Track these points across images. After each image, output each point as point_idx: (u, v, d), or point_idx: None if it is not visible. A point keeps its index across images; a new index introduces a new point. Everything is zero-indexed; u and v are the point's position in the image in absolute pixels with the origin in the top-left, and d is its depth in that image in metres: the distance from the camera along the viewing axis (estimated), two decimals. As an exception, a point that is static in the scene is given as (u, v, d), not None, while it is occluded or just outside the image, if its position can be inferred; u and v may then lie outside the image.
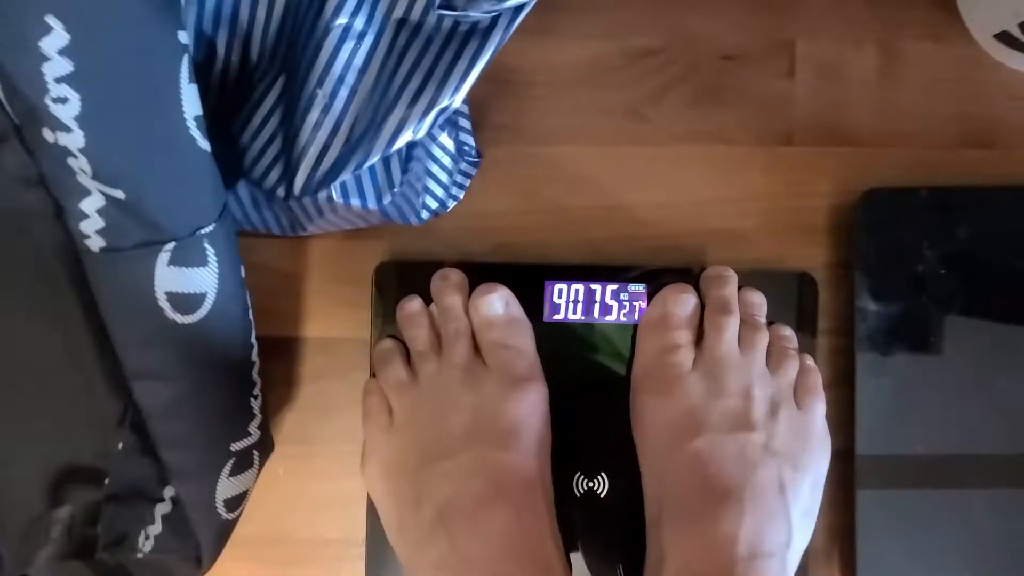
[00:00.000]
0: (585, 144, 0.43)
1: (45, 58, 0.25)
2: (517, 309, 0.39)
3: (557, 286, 0.41)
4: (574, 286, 0.41)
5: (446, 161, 0.38)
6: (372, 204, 0.33)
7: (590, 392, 0.41)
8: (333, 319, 0.42)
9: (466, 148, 0.40)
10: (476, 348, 0.39)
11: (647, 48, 0.42)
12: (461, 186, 0.41)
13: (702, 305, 0.39)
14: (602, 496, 0.41)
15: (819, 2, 0.42)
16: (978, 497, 0.40)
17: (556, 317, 0.41)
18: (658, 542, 0.36)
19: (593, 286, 0.41)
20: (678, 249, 0.42)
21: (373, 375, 0.40)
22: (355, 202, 0.33)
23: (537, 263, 0.42)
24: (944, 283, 0.40)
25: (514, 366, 0.38)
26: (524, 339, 0.39)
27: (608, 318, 0.41)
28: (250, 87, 0.33)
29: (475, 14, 0.31)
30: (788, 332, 0.40)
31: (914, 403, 0.41)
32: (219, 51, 0.32)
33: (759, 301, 0.40)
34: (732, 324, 0.38)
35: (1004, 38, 0.40)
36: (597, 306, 0.41)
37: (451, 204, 0.41)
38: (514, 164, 0.42)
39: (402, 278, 0.41)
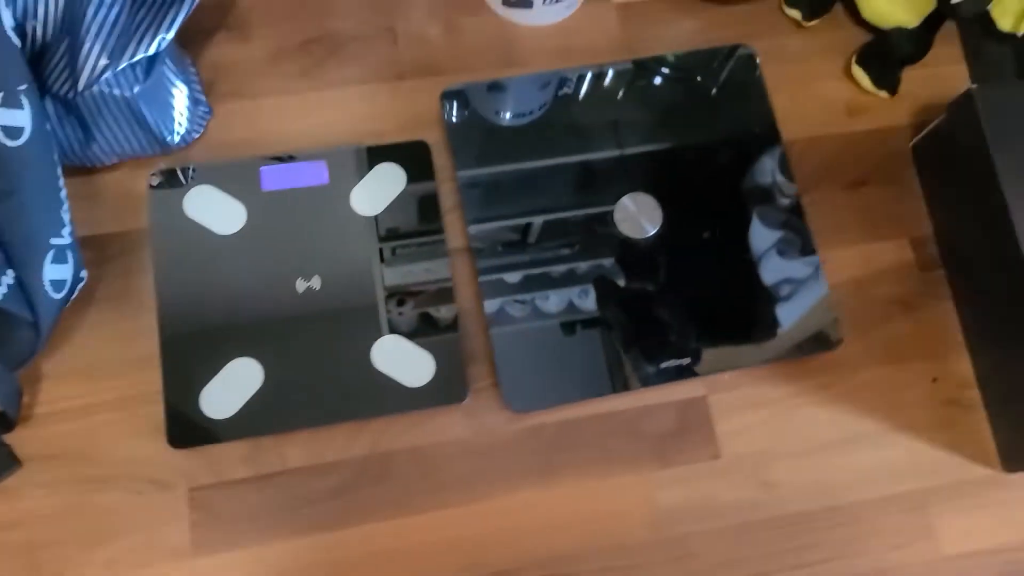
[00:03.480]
0: (281, 95, 0.69)
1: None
2: None
3: (269, 168, 0.66)
4: (282, 166, 0.66)
5: (184, 99, 0.64)
6: (128, 92, 0.58)
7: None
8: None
9: (200, 101, 0.66)
10: None
11: (307, 39, 0.71)
12: (200, 126, 0.66)
13: None
14: (318, 291, 0.63)
15: (404, 3, 0.72)
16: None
17: (272, 187, 0.65)
18: None
19: (293, 165, 0.66)
20: (345, 144, 0.68)
21: None
22: (116, 91, 0.57)
23: (254, 159, 0.66)
24: (505, 136, 0.68)
25: None
26: None
27: (305, 185, 0.66)
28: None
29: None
30: None
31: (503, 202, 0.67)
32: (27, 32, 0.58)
33: None
34: None
35: (507, 2, 0.71)
36: (297, 177, 0.66)
37: (193, 137, 0.66)
38: (242, 113, 0.68)
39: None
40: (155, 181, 0.64)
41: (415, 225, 0.66)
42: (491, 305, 0.64)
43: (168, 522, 0.59)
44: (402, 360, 0.62)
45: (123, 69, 0.57)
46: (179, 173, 0.65)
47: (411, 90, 0.70)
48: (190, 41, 0.69)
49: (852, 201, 0.71)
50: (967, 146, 0.64)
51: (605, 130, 0.69)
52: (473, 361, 0.64)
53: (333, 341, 0.62)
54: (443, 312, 0.64)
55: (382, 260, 0.64)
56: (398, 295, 0.64)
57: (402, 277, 0.64)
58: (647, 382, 0.64)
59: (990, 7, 0.69)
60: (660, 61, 0.72)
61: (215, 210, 0.64)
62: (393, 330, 0.63)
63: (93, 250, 0.63)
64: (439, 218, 0.66)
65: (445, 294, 0.65)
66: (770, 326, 0.65)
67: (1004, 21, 0.68)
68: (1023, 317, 0.60)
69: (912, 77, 0.74)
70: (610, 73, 0.71)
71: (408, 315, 0.63)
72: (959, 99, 0.65)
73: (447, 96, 0.69)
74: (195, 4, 0.59)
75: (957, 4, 0.63)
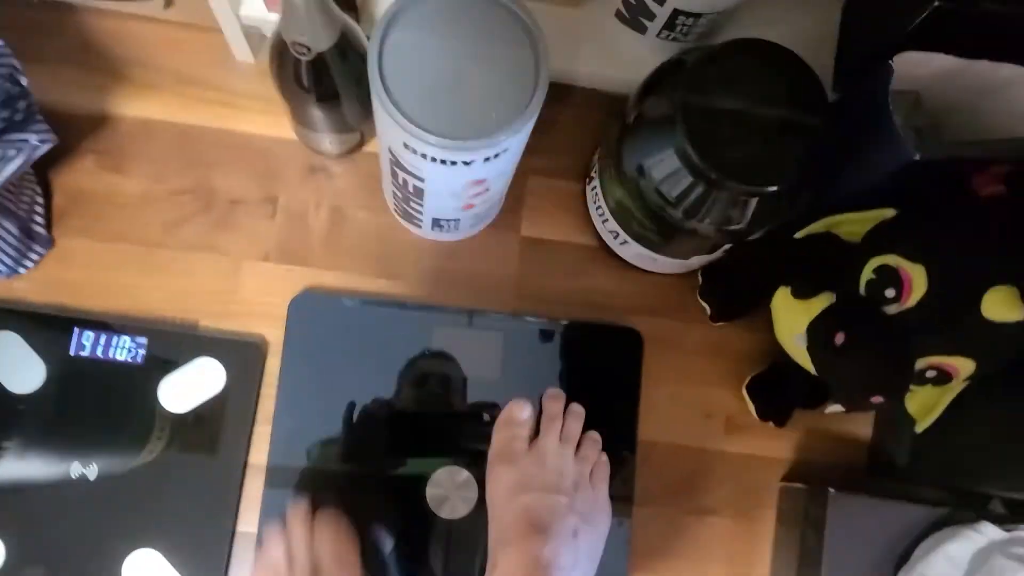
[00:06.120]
0: (133, 244, 0.64)
1: None
2: (346, 531, 0.57)
3: (85, 332, 0.61)
4: (100, 333, 0.61)
5: (9, 234, 0.59)
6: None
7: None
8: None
9: (38, 234, 0.61)
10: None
11: (181, 188, 0.65)
12: (31, 260, 0.62)
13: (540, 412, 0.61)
14: (91, 481, 0.59)
15: (293, 175, 0.66)
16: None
17: (82, 353, 0.61)
18: (493, 558, 0.54)
19: (112, 335, 0.61)
20: (178, 320, 0.63)
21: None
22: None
23: (70, 316, 0.62)
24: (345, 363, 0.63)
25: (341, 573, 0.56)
26: (350, 552, 0.57)
27: (119, 358, 0.61)
28: None
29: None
30: (595, 435, 0.61)
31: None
32: None
33: (580, 412, 0.61)
34: (556, 427, 0.59)
35: (401, 213, 0.65)
36: (112, 349, 0.61)
37: (18, 272, 0.62)
38: (85, 253, 0.63)
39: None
40: None
41: (218, 434, 0.61)
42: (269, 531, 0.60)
43: None
44: (153, 581, 0.59)
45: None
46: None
47: (270, 276, 0.65)
48: (54, 159, 0.64)
49: (693, 528, 0.65)
50: (809, 537, 0.58)
51: (452, 384, 0.64)
52: (235, 591, 0.61)
53: (89, 541, 0.59)
54: (214, 532, 0.60)
55: (165, 469, 0.60)
56: (172, 509, 0.60)
57: (183, 490, 0.60)
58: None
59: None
60: (539, 324, 0.65)
61: (13, 363, 0.60)
62: (153, 545, 0.59)
63: None
64: (248, 427, 0.62)
65: (224, 513, 0.61)
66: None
67: (911, 405, 0.61)
68: None
69: (812, 413, 0.67)
70: (484, 322, 0.65)
71: (174, 531, 0.60)
72: (817, 494, 0.59)
73: (298, 302, 0.64)
74: (22, 168, 0.54)
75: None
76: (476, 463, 0.62)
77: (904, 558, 0.57)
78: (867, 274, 0.54)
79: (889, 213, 0.57)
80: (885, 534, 0.58)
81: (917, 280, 0.51)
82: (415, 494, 0.62)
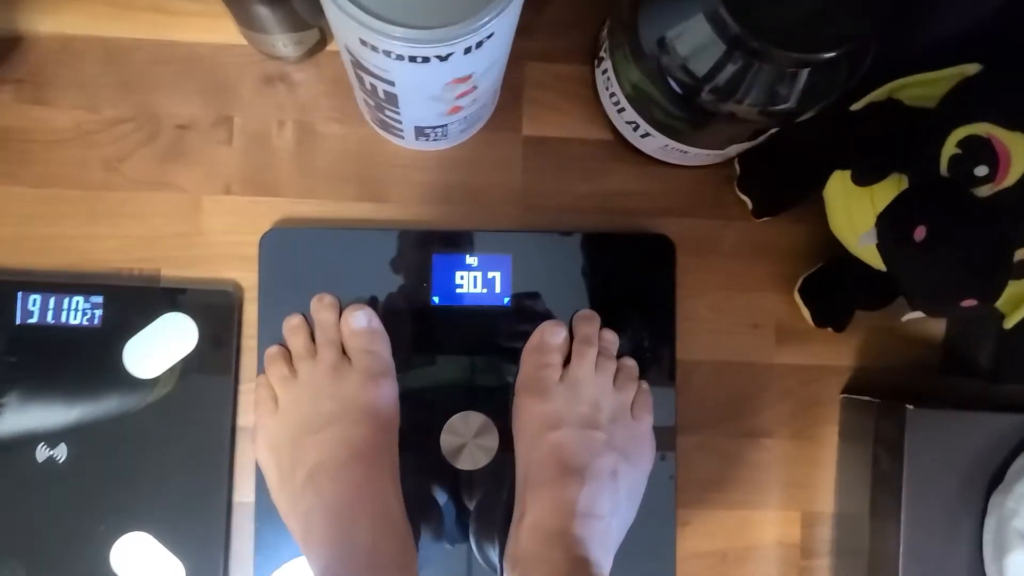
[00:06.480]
0: (72, 188, 0.55)
1: None
2: (378, 323, 0.51)
3: (31, 296, 0.53)
4: (46, 295, 0.53)
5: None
6: None
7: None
8: None
9: (-42, 188, 0.52)
10: (342, 352, 0.50)
11: (119, 117, 0.55)
12: (-43, 217, 0.53)
13: (571, 338, 0.52)
14: (61, 463, 0.52)
15: (248, 89, 0.56)
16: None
17: (30, 320, 0.53)
18: (522, 502, 0.48)
19: (63, 296, 0.53)
20: (136, 271, 0.55)
21: (262, 372, 0.52)
22: None
23: (11, 279, 0.53)
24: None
25: (373, 366, 0.50)
26: (382, 346, 0.51)
27: (73, 322, 0.53)
28: None
29: None
30: (631, 363, 0.53)
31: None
32: None
33: (613, 338, 0.53)
34: (591, 353, 0.51)
35: (378, 123, 0.55)
36: (64, 313, 0.53)
37: (-53, 231, 0.53)
38: (16, 203, 0.54)
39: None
40: None
41: (199, 397, 0.54)
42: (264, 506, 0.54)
43: None
44: (147, 567, 0.53)
45: None
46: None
47: (236, 211, 0.56)
48: (-36, 96, 0.54)
49: (745, 454, 0.58)
50: (883, 459, 0.51)
51: (459, 320, 0.55)
52: (239, 566, 0.55)
53: (69, 530, 0.52)
54: (208, 506, 0.54)
55: (144, 443, 0.53)
56: (158, 487, 0.53)
57: (167, 464, 0.53)
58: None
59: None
60: (552, 238, 0.56)
61: (-49, 339, 0.52)
62: (143, 527, 0.53)
63: None
64: (231, 387, 0.54)
65: (216, 484, 0.54)
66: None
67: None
68: None
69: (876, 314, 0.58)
70: (488, 242, 0.56)
71: (163, 510, 0.53)
72: (891, 409, 0.51)
73: (270, 239, 0.55)
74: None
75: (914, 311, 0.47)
76: (498, 377, 0.54)
77: (997, 477, 0.50)
78: (950, 148, 0.43)
79: (971, 69, 0.46)
80: (973, 451, 0.50)
81: (1017, 152, 0.41)
82: (429, 442, 0.54)
